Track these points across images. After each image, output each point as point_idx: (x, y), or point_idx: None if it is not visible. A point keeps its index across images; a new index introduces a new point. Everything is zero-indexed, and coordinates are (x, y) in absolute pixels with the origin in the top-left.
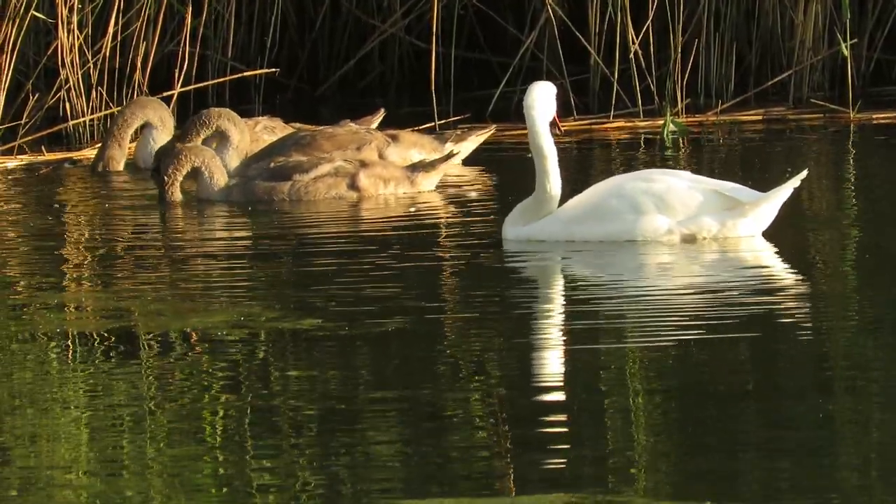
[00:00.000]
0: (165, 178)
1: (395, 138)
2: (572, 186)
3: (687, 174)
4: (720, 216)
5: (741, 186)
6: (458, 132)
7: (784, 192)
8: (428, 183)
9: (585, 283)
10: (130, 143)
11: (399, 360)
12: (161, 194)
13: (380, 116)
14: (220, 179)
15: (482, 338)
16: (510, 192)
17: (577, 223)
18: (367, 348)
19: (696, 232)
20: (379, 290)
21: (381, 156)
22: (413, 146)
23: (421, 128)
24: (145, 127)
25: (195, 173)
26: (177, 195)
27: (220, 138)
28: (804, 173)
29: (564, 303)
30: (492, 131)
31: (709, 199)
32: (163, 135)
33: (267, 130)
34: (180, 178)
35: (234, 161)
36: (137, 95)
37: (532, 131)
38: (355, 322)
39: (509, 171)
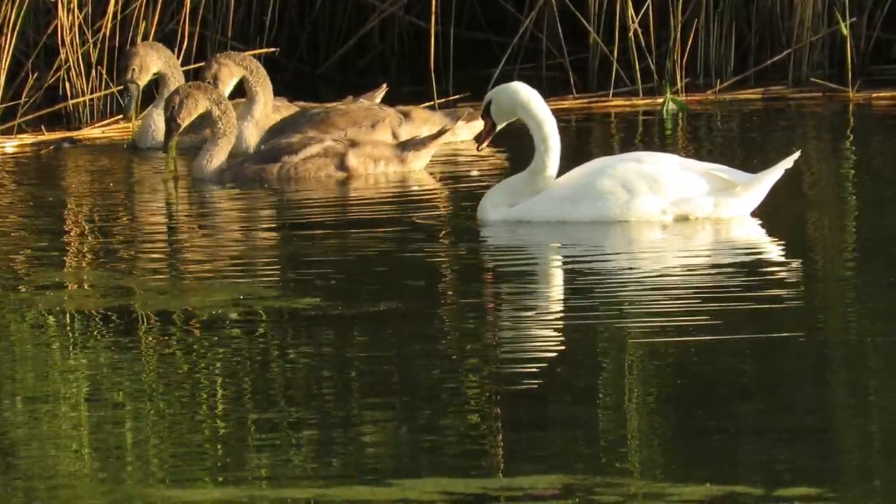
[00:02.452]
0: (177, 120)
1: (407, 115)
2: (570, 165)
3: (675, 158)
4: (712, 197)
5: (729, 168)
6: (471, 109)
7: (775, 173)
8: (419, 161)
9: (580, 265)
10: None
11: (394, 339)
12: (169, 132)
13: (382, 91)
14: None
15: (477, 318)
16: (510, 171)
17: (569, 204)
18: (363, 328)
19: (689, 213)
20: (374, 271)
21: (394, 133)
22: (425, 123)
23: (425, 105)
24: (152, 102)
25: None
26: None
27: (247, 101)
28: (796, 154)
29: (559, 284)
30: None
31: (701, 180)
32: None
33: (273, 109)
34: (192, 117)
35: (252, 135)
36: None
37: (534, 116)
38: (351, 302)
39: (510, 149)
